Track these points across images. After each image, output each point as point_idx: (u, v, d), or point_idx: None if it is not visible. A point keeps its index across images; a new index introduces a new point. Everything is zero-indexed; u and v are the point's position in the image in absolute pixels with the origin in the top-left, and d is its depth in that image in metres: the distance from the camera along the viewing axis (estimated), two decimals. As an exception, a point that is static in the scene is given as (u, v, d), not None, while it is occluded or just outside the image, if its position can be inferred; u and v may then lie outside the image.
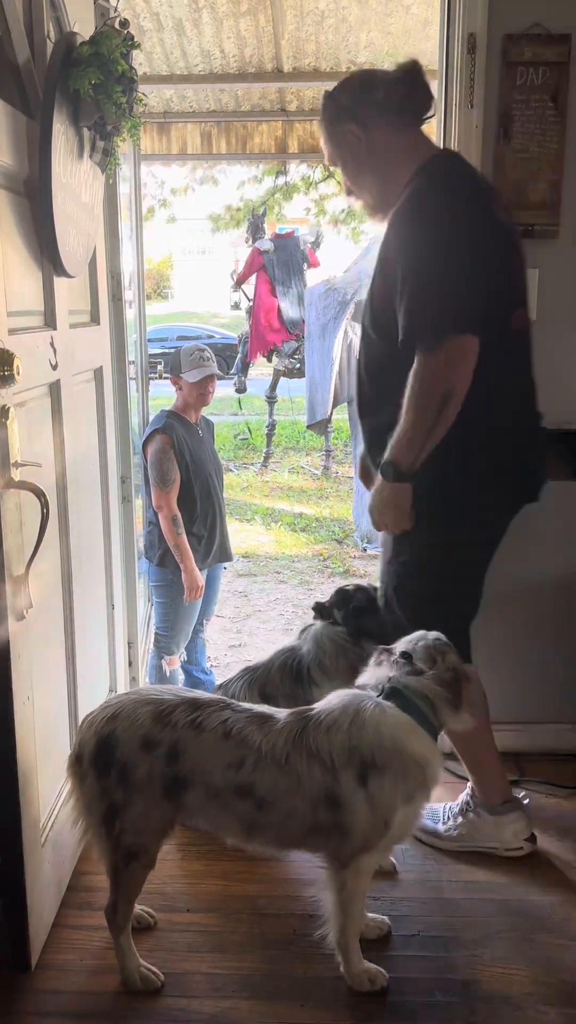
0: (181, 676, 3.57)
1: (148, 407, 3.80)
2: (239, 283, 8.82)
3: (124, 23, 1.99)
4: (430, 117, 2.08)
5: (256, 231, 8.64)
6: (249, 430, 10.14)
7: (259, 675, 2.44)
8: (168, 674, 3.50)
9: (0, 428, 1.61)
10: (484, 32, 2.33)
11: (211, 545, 3.44)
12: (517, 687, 2.76)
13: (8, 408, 1.61)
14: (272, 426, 8.96)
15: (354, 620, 2.41)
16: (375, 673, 1.84)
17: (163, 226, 9.39)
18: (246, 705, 1.86)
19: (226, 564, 3.75)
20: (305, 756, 1.70)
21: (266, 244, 8.42)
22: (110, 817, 1.76)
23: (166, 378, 3.64)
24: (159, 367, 3.41)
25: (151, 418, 3.49)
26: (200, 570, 3.38)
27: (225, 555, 3.57)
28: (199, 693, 1.90)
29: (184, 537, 3.26)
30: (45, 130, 1.77)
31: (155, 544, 3.34)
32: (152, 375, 3.19)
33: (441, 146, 2.46)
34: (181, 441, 3.29)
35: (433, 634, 1.87)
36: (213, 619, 3.89)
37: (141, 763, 1.73)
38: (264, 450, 9.04)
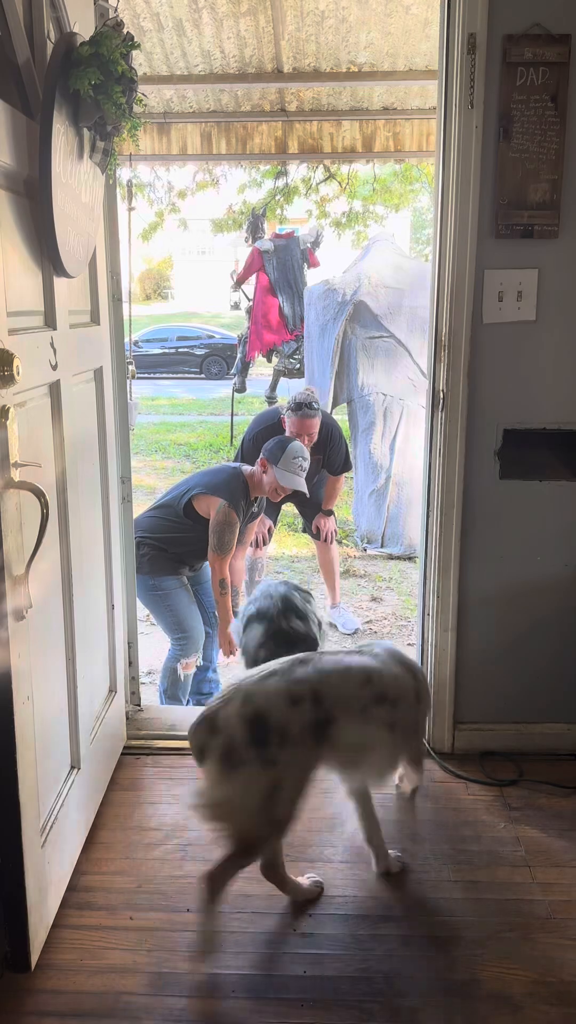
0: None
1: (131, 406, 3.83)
2: (239, 283, 8.82)
3: (121, 23, 1.99)
4: None
5: (256, 231, 8.65)
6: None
7: None
8: (183, 678, 3.50)
9: (0, 428, 1.61)
10: (484, 32, 2.33)
11: (189, 557, 3.50)
12: (517, 687, 2.76)
13: (8, 408, 1.61)
14: (272, 427, 8.94)
15: None
16: None
17: (174, 230, 9.35)
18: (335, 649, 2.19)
19: None
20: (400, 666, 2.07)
21: (266, 244, 8.43)
22: (271, 791, 1.88)
23: (152, 378, 3.69)
24: (131, 367, 3.51)
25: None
26: (177, 575, 3.42)
27: (193, 567, 3.62)
28: (282, 662, 2.00)
29: (228, 598, 3.37)
30: (45, 130, 1.77)
31: (143, 554, 3.35)
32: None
33: (441, 146, 2.46)
34: (240, 514, 3.41)
35: None
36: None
37: (294, 719, 1.88)
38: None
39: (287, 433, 4.17)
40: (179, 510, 3.47)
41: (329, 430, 4.43)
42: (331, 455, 4.44)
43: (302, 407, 4.20)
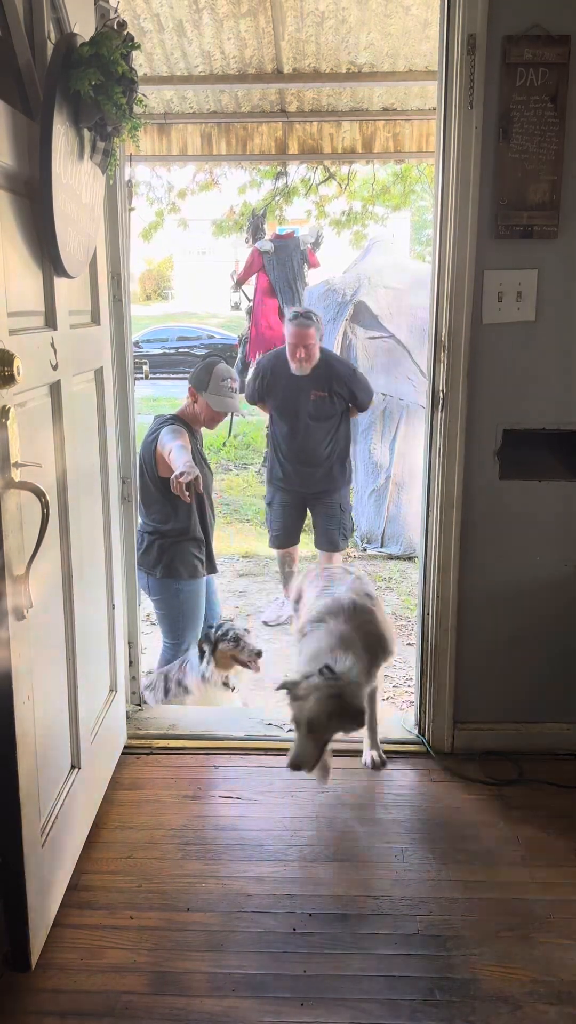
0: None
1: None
2: (239, 284, 8.81)
3: (121, 24, 1.99)
4: None
5: (256, 232, 8.64)
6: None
7: None
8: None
9: (0, 428, 1.61)
10: (484, 33, 2.34)
11: (209, 550, 3.46)
12: (517, 687, 2.76)
13: (8, 408, 1.61)
14: (272, 426, 8.95)
15: None
16: None
17: (174, 230, 9.32)
18: None
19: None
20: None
21: (266, 245, 8.42)
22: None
23: (152, 378, 3.64)
24: (144, 367, 3.54)
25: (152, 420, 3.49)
26: (200, 577, 3.39)
27: (212, 567, 3.56)
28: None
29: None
30: (45, 131, 1.77)
31: (156, 556, 3.33)
32: (138, 375, 3.45)
33: (441, 147, 2.47)
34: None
35: None
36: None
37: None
38: (264, 450, 9.04)
39: (287, 344, 4.23)
40: (156, 476, 3.34)
41: (345, 364, 4.51)
42: (357, 388, 4.38)
43: (297, 317, 4.25)
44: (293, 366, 4.32)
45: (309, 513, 4.77)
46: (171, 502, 3.28)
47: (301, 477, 4.51)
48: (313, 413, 4.35)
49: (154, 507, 3.36)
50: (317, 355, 4.28)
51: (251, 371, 4.95)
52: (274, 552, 5.06)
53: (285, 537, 4.71)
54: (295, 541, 4.82)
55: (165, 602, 3.40)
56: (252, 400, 4.62)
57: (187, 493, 3.04)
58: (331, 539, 4.65)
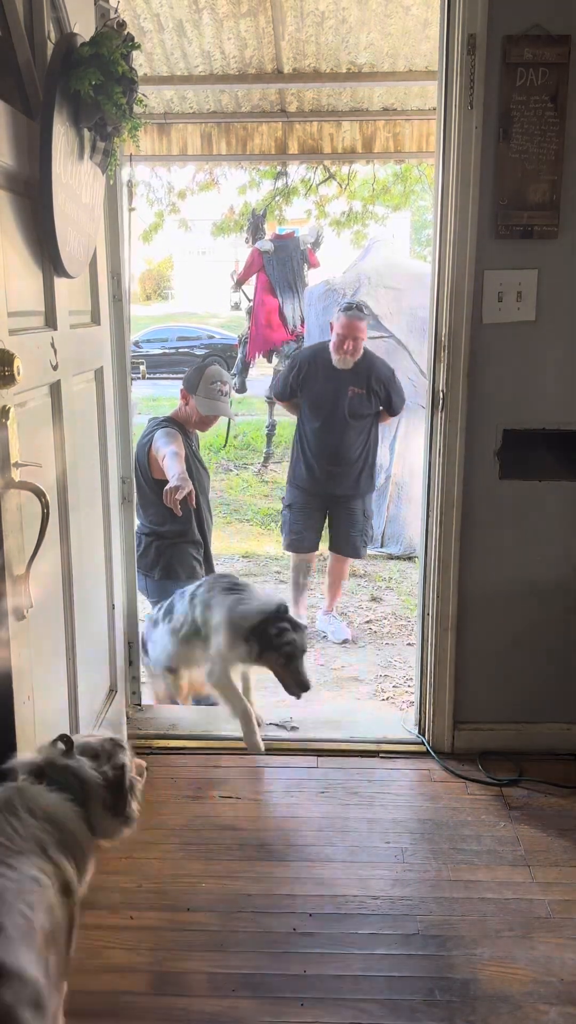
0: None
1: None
2: (239, 284, 8.82)
3: (121, 24, 1.99)
4: None
5: (256, 232, 8.65)
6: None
7: None
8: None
9: (0, 428, 1.61)
10: (484, 33, 2.34)
11: (208, 552, 3.45)
12: (517, 687, 2.76)
13: (8, 408, 1.61)
14: (272, 426, 8.97)
15: None
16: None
17: (174, 230, 9.32)
18: None
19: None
20: None
21: (266, 245, 8.42)
22: None
23: (149, 378, 3.61)
24: (141, 367, 3.58)
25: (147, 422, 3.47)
26: (198, 579, 3.38)
27: (211, 568, 3.54)
28: None
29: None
30: (45, 131, 1.77)
31: (153, 558, 3.33)
32: (135, 375, 3.48)
33: (441, 147, 2.47)
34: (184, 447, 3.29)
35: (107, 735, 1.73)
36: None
37: None
38: (264, 450, 9.05)
39: (334, 335, 4.14)
40: (150, 478, 3.33)
41: (386, 365, 4.39)
42: (394, 391, 4.31)
43: (351, 308, 4.15)
44: (336, 358, 4.20)
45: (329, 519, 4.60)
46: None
47: (329, 478, 4.36)
48: (350, 410, 4.23)
49: (150, 509, 3.36)
50: (362, 350, 4.21)
51: (286, 365, 4.82)
52: (284, 555, 4.89)
53: (303, 542, 4.50)
54: (314, 548, 4.59)
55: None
56: (283, 396, 4.47)
57: (179, 506, 3.04)
58: (353, 545, 4.50)
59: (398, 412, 4.44)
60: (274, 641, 2.60)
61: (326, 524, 4.60)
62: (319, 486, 4.41)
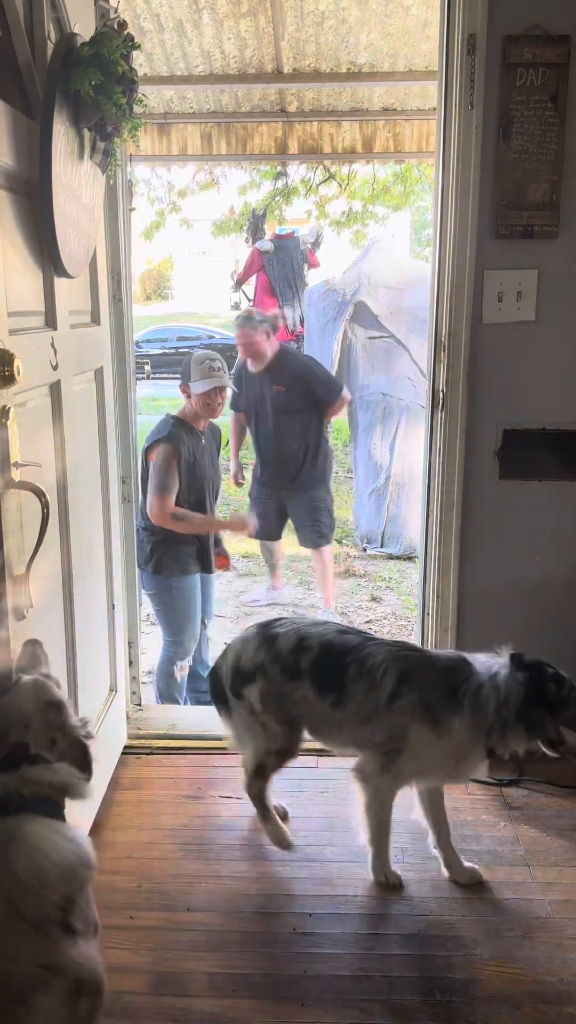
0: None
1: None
2: (239, 284, 8.83)
3: (122, 24, 1.99)
4: None
5: (256, 232, 8.65)
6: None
7: None
8: (180, 680, 3.50)
9: (0, 428, 1.61)
10: (484, 33, 2.34)
11: (204, 552, 3.45)
12: (517, 687, 2.76)
13: (8, 408, 1.61)
14: (272, 426, 8.95)
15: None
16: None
17: (174, 230, 9.33)
18: None
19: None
20: None
21: (266, 245, 8.43)
22: None
23: (152, 378, 3.63)
24: (146, 367, 3.69)
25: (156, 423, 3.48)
26: (192, 574, 3.39)
27: (208, 566, 3.54)
28: None
29: (184, 511, 3.28)
30: (45, 131, 1.77)
31: (148, 552, 3.34)
32: (140, 375, 3.64)
33: (441, 147, 2.47)
34: (185, 451, 3.29)
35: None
36: (213, 619, 3.90)
37: None
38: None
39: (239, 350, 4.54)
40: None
41: (301, 360, 4.76)
42: (315, 383, 4.52)
43: (240, 318, 4.50)
44: (250, 363, 4.58)
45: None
46: None
47: (276, 473, 4.65)
48: (276, 407, 4.49)
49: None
50: (268, 351, 4.46)
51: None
52: (283, 555, 5.28)
53: (265, 532, 4.80)
54: (276, 537, 4.94)
55: (158, 597, 3.41)
56: (236, 407, 4.79)
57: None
58: (312, 536, 4.75)
59: (334, 402, 4.60)
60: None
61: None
62: (271, 479, 4.71)
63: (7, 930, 1.26)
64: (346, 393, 4.74)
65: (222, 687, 2.33)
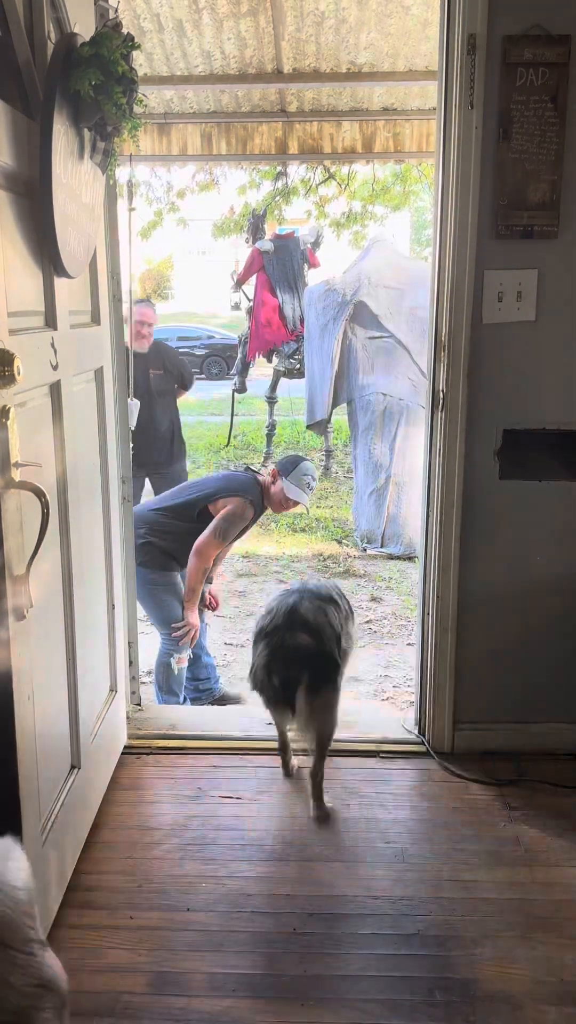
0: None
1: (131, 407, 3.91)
2: (239, 284, 8.82)
3: (118, 25, 1.99)
4: None
5: (256, 232, 8.65)
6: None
7: None
8: (177, 672, 3.52)
9: (0, 428, 1.61)
10: (484, 33, 2.34)
11: (183, 552, 3.53)
12: (517, 687, 2.76)
13: (8, 408, 1.61)
14: (272, 426, 8.98)
15: None
16: None
17: (174, 230, 9.33)
18: None
19: None
20: None
21: (266, 245, 8.43)
22: None
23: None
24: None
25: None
26: (172, 571, 3.48)
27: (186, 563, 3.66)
28: None
29: (202, 588, 3.47)
30: (45, 131, 1.77)
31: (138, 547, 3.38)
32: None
33: (441, 147, 2.47)
34: (253, 519, 3.51)
35: None
36: (213, 619, 3.91)
37: None
38: (264, 450, 9.06)
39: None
40: (194, 515, 3.50)
41: (175, 352, 5.42)
42: (183, 371, 5.22)
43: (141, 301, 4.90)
44: (135, 345, 4.77)
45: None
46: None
47: (147, 448, 4.84)
48: (155, 388, 4.96)
49: (174, 524, 3.53)
50: (151, 337, 4.95)
51: None
52: (283, 554, 5.51)
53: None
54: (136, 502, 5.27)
55: (141, 591, 3.45)
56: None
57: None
58: None
59: (189, 387, 5.37)
60: None
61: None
62: (141, 455, 4.87)
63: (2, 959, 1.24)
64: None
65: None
